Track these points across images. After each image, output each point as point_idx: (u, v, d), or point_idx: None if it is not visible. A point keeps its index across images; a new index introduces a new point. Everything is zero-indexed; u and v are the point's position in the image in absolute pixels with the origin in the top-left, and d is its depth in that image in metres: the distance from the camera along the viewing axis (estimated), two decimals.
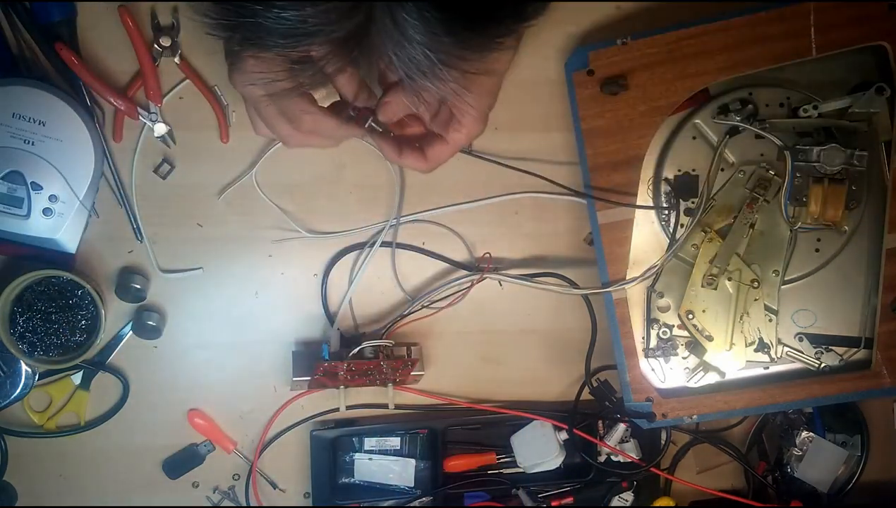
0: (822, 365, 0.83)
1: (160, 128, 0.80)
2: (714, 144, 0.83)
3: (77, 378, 0.84)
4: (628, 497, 0.91)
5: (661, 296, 0.84)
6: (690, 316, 0.83)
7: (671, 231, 0.83)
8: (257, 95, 0.68)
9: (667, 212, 0.83)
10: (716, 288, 0.82)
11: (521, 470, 0.89)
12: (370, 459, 0.89)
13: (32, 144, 0.75)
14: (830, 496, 0.91)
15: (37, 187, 0.75)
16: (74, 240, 0.79)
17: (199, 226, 0.84)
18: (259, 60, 0.61)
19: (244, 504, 0.89)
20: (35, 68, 0.78)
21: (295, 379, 0.84)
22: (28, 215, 0.76)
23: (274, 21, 0.41)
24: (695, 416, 0.83)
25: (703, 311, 0.83)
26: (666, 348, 0.83)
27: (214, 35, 0.45)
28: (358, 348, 0.83)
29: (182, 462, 0.87)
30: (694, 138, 0.83)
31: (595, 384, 0.88)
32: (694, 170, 0.83)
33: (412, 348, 0.87)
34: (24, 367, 0.81)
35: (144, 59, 0.78)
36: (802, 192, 0.80)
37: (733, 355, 0.83)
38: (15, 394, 0.81)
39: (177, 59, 0.80)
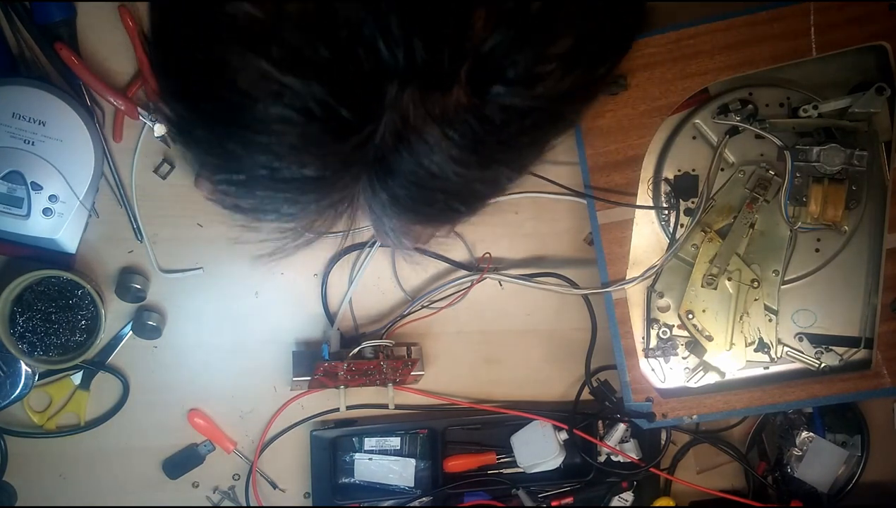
0: (822, 365, 0.83)
1: (160, 129, 0.80)
2: (714, 144, 0.82)
3: (77, 378, 0.84)
4: (628, 497, 0.91)
5: (661, 296, 0.84)
6: (690, 316, 0.83)
7: (671, 231, 0.83)
8: None
9: (667, 212, 0.83)
10: (716, 288, 0.82)
11: (521, 470, 0.89)
12: (370, 459, 0.89)
13: (32, 144, 0.75)
14: (830, 496, 0.91)
15: (37, 187, 0.75)
16: (74, 240, 0.79)
17: (199, 226, 0.84)
18: None
19: (244, 504, 0.89)
20: (35, 68, 0.78)
21: (295, 379, 0.84)
22: (28, 215, 0.76)
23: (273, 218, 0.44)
24: (695, 416, 0.83)
25: (703, 311, 0.83)
26: (666, 348, 0.83)
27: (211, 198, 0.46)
28: (358, 348, 0.83)
29: (182, 462, 0.87)
30: (694, 138, 0.83)
31: (595, 384, 0.88)
32: (694, 170, 0.83)
33: (412, 348, 0.87)
34: (24, 367, 0.81)
35: (144, 59, 0.78)
36: (802, 192, 0.80)
37: (733, 355, 0.83)
38: (15, 394, 0.81)
39: None
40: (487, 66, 0.36)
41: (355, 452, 0.89)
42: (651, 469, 0.90)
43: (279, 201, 0.42)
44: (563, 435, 0.88)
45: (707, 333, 0.83)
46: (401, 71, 0.35)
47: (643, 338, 0.84)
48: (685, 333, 0.84)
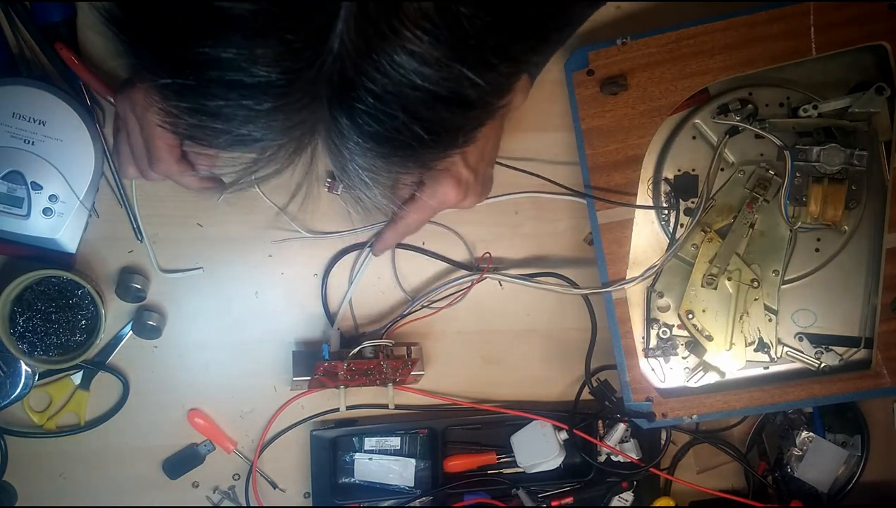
0: (822, 365, 0.83)
1: None
2: (714, 144, 0.83)
3: (77, 378, 0.84)
4: (628, 497, 0.91)
5: (661, 296, 0.84)
6: (690, 316, 0.83)
7: (671, 231, 0.83)
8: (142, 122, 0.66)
9: (667, 212, 0.83)
10: (716, 288, 0.82)
11: (521, 470, 0.89)
12: (370, 459, 0.89)
13: (32, 144, 0.75)
14: (830, 496, 0.91)
15: (37, 187, 0.75)
16: (74, 240, 0.79)
17: (199, 226, 0.84)
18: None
19: (244, 504, 0.89)
20: (35, 68, 0.78)
21: (295, 379, 0.84)
22: (28, 215, 0.76)
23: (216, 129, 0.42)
24: (695, 416, 0.83)
25: (703, 311, 0.83)
26: (666, 348, 0.83)
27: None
28: (358, 348, 0.83)
29: (182, 462, 0.87)
30: (694, 138, 0.83)
31: (595, 384, 0.88)
32: (694, 170, 0.83)
33: (412, 348, 0.87)
34: (24, 367, 0.81)
35: None
36: (802, 192, 0.80)
37: (733, 355, 0.83)
38: (15, 394, 0.81)
39: None
40: None
41: (355, 452, 0.89)
42: (651, 469, 0.90)
43: (232, 112, 0.40)
44: (563, 435, 0.88)
45: (707, 333, 0.83)
46: None
47: (643, 338, 0.84)
48: (685, 333, 0.84)
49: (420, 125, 0.42)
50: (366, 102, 0.40)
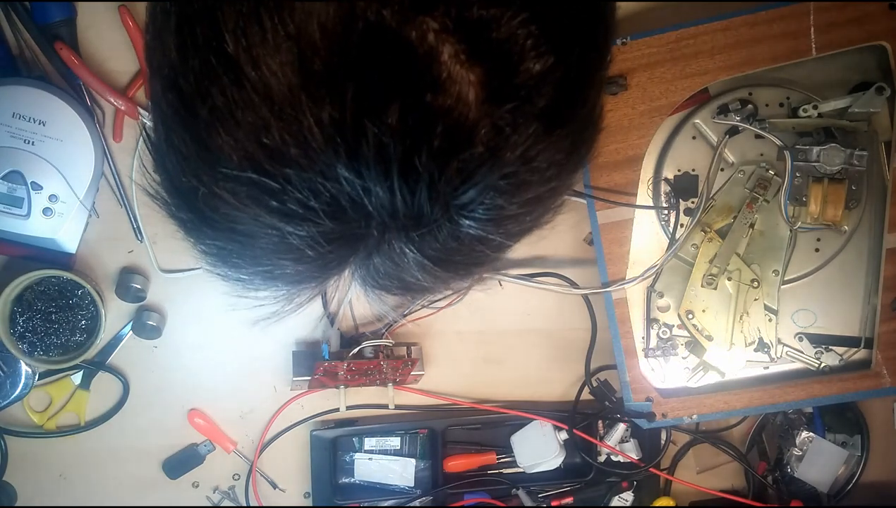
0: (822, 365, 0.83)
1: None
2: (714, 144, 0.83)
3: (77, 378, 0.84)
4: (628, 497, 0.91)
5: (661, 296, 0.84)
6: (690, 316, 0.83)
7: (671, 231, 0.83)
8: None
9: (667, 212, 0.83)
10: (716, 288, 0.82)
11: (521, 470, 0.89)
12: (370, 459, 0.89)
13: (32, 144, 0.75)
14: (830, 496, 0.91)
15: (37, 187, 0.75)
16: (74, 240, 0.79)
17: None
18: None
19: (244, 504, 0.89)
20: (35, 68, 0.78)
21: (295, 378, 0.84)
22: (28, 215, 0.76)
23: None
24: (695, 416, 0.83)
25: (703, 311, 0.83)
26: (666, 348, 0.83)
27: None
28: (358, 348, 0.83)
29: (182, 462, 0.87)
30: (694, 138, 0.83)
31: (595, 384, 0.88)
32: (694, 170, 0.83)
33: (412, 348, 0.87)
34: (24, 367, 0.81)
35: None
36: (802, 192, 0.80)
37: (733, 355, 0.83)
38: (15, 394, 0.81)
39: None
40: (460, 207, 0.41)
41: (355, 452, 0.89)
42: (651, 469, 0.90)
43: (275, 288, 0.49)
44: (563, 435, 0.88)
45: (707, 333, 0.83)
46: (385, 218, 0.40)
47: (643, 338, 0.84)
48: (685, 333, 0.84)
49: (436, 290, 0.50)
50: (388, 279, 0.46)
